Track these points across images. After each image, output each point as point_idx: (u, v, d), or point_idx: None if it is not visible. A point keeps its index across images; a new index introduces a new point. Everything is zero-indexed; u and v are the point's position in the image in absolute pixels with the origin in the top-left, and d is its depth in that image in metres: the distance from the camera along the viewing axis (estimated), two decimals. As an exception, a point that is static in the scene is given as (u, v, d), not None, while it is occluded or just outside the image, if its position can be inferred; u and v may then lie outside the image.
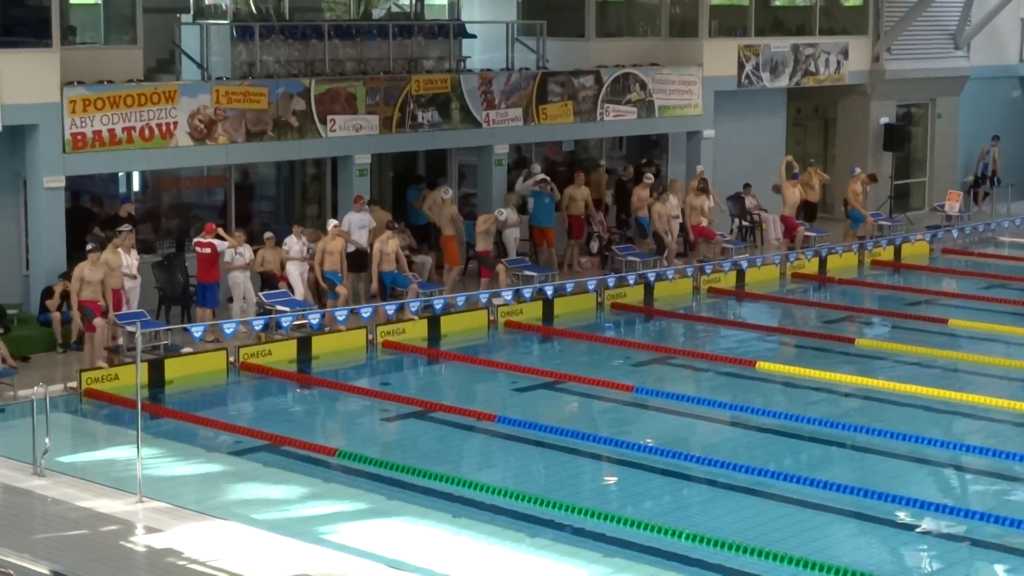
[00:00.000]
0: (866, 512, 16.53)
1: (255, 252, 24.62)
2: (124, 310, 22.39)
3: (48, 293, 23.01)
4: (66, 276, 22.69)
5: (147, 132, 24.32)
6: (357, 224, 26.06)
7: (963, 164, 39.11)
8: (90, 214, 25.22)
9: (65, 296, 22.58)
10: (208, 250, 23.72)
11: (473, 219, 27.84)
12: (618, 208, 31.57)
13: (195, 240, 23.91)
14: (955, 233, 31.50)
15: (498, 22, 31.76)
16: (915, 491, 17.16)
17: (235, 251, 24.15)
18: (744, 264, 27.88)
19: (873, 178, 33.46)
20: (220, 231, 24.00)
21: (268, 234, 24.92)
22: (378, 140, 27.38)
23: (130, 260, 23.05)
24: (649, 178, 30.39)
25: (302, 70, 27.35)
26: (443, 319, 24.65)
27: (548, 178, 29.49)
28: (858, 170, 32.98)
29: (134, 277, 23.09)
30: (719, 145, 33.09)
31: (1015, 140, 40.94)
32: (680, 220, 30.02)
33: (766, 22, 35.03)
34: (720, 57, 33.01)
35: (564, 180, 30.47)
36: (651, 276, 25.93)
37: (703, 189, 30.45)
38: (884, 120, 36.76)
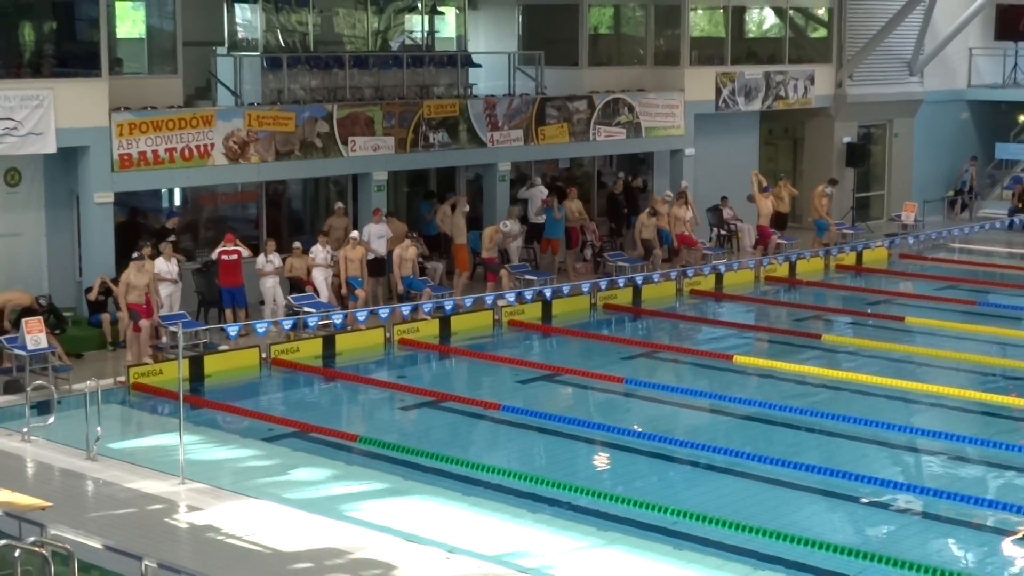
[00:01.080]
0: (832, 490, 16.51)
1: (283, 260, 24.62)
2: (161, 312, 22.44)
3: (88, 289, 23.04)
4: (114, 281, 22.71)
5: (187, 153, 24.31)
6: (376, 235, 26.03)
7: (918, 179, 39.03)
8: (136, 226, 25.21)
9: (105, 291, 22.61)
10: (235, 256, 23.72)
11: (480, 229, 27.84)
12: (609, 218, 31.56)
13: (220, 250, 23.80)
14: (911, 240, 31.42)
15: (501, 52, 31.75)
16: (876, 471, 17.16)
17: (266, 259, 24.15)
18: (722, 268, 27.82)
19: (833, 181, 33.47)
20: (236, 240, 24.00)
21: (296, 244, 24.92)
22: (394, 159, 27.36)
23: (171, 267, 23.05)
24: (669, 195, 30.46)
25: (325, 96, 27.34)
26: (453, 319, 24.62)
27: (554, 196, 29.46)
28: (830, 189, 33.01)
29: (175, 282, 23.10)
30: (699, 162, 33.06)
31: (962, 157, 40.89)
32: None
33: (741, 52, 34.99)
34: (700, 83, 32.97)
35: (562, 194, 30.51)
36: (639, 279, 25.86)
37: (684, 202, 30.50)
38: (847, 139, 36.74)
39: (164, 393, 20.17)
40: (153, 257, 22.67)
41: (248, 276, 24.27)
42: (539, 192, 29.75)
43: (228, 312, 23.59)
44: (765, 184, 31.91)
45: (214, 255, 23.81)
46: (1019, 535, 15.19)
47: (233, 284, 23.70)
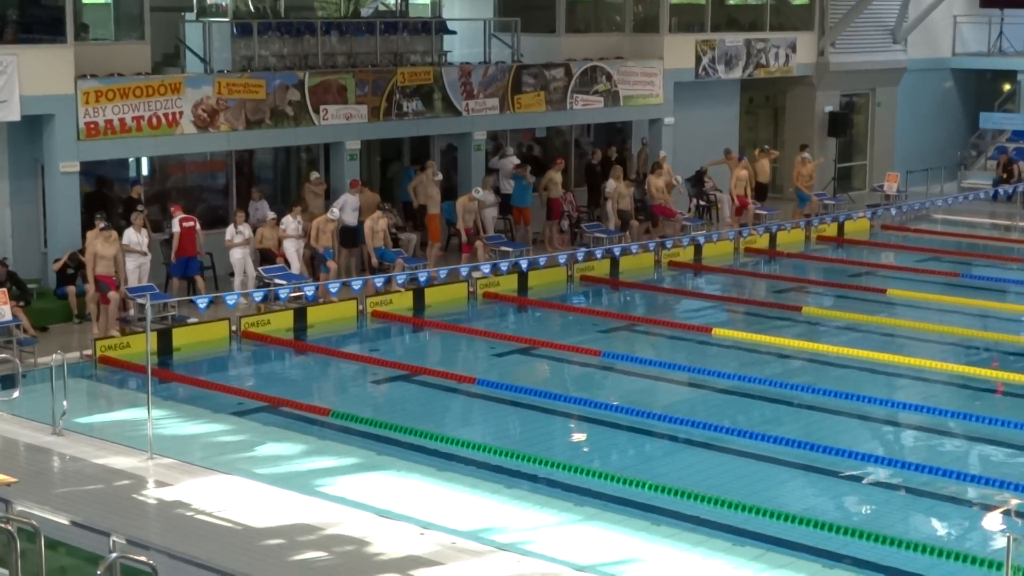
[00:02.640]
0: (812, 464, 16.59)
1: (254, 230, 24.59)
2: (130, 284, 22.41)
3: (56, 260, 22.98)
4: (81, 252, 22.65)
5: (155, 121, 24.21)
6: (351, 206, 26.01)
7: (900, 149, 39.14)
8: (102, 196, 25.12)
9: (75, 262, 22.56)
10: (192, 223, 23.69)
11: (454, 200, 27.82)
12: (588, 189, 31.57)
13: (181, 218, 23.71)
14: (893, 211, 31.51)
15: (476, 19, 31.67)
16: (856, 445, 17.25)
17: (235, 229, 24.11)
18: (701, 240, 27.87)
19: (803, 146, 33.47)
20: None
21: (271, 214, 24.87)
22: (367, 127, 27.30)
23: (141, 238, 22.99)
24: (661, 165, 30.48)
25: (297, 63, 27.25)
26: (427, 291, 24.62)
27: (524, 164, 29.46)
28: (807, 155, 33.02)
29: (144, 254, 23.03)
30: (678, 131, 33.07)
31: (946, 127, 41.05)
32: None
33: (721, 19, 34.94)
34: (679, 51, 32.96)
35: (537, 164, 30.54)
36: (616, 251, 25.89)
37: (661, 172, 30.51)
38: (828, 108, 36.78)
39: (132, 367, 20.13)
40: (118, 228, 22.60)
41: (218, 247, 24.23)
42: (510, 162, 29.72)
43: (175, 282, 23.53)
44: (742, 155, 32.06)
45: (175, 226, 23.68)
46: (1001, 509, 15.29)
47: (191, 254, 23.66)
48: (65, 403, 17.01)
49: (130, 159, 25.64)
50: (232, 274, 24.37)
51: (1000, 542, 14.22)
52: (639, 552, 13.69)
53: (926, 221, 34.33)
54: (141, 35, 25.38)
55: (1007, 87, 42.13)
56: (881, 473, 16.41)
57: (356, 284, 21.95)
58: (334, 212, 25.14)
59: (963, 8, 41.62)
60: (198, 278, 23.71)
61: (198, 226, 23.91)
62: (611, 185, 29.77)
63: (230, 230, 24.22)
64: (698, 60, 33.39)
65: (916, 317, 24.18)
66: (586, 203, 31.30)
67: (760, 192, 32.52)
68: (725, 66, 34.03)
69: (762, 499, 15.09)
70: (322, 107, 26.47)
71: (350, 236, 25.78)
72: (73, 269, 22.82)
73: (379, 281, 22.93)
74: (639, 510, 14.92)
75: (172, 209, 23.99)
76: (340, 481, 15.77)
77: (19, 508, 12.55)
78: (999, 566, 12.93)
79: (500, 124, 29.87)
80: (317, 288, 22.27)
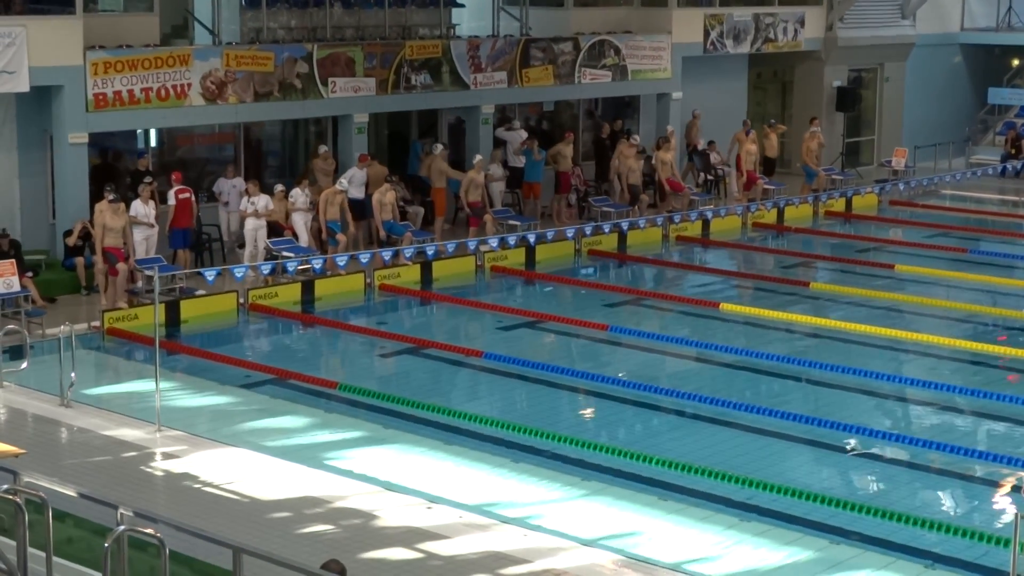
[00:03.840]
0: (819, 440, 16.55)
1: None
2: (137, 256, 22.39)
3: (67, 232, 22.92)
4: (90, 221, 22.61)
5: (163, 92, 24.15)
6: (359, 180, 25.96)
7: (908, 124, 39.01)
8: (111, 167, 25.08)
9: (85, 235, 22.53)
10: (188, 195, 23.65)
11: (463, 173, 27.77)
12: (596, 162, 31.48)
13: (177, 189, 23.61)
14: (901, 186, 31.42)
15: (485, -7, 31.60)
16: (863, 420, 17.21)
17: (248, 200, 24.08)
18: (709, 214, 27.77)
19: (814, 119, 33.33)
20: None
21: (279, 186, 24.80)
22: (375, 100, 27.22)
23: (148, 210, 22.94)
24: (636, 139, 30.37)
25: (305, 36, 27.17)
26: (435, 264, 24.59)
27: (534, 140, 29.36)
28: (817, 129, 32.90)
29: (152, 226, 22.99)
30: (686, 106, 32.95)
31: (955, 102, 40.87)
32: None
33: (730, -7, 34.87)
34: (687, 25, 32.83)
35: (546, 138, 30.45)
36: (624, 225, 25.83)
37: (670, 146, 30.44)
38: (837, 83, 36.66)
39: (139, 339, 20.11)
40: (126, 200, 22.57)
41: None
42: (518, 136, 29.64)
43: (180, 253, 23.51)
44: (749, 127, 31.98)
45: (170, 198, 23.62)
46: (1007, 486, 15.26)
47: (187, 225, 23.63)
48: (73, 375, 16.99)
49: (138, 131, 25.60)
50: (241, 246, 24.33)
51: (1007, 518, 14.20)
52: (645, 526, 13.67)
53: (934, 197, 34.23)
54: (150, 7, 25.33)
55: (1016, 63, 41.94)
56: (887, 449, 16.37)
57: (364, 257, 21.92)
58: (343, 183, 25.08)
59: (972, -17, 41.44)
60: (181, 252, 23.58)
61: (194, 197, 23.88)
62: (618, 153, 29.65)
63: (244, 201, 24.19)
64: (706, 34, 33.25)
65: (924, 293, 24.11)
66: (594, 177, 31.21)
67: (768, 167, 32.43)
68: (733, 40, 33.88)
69: (768, 474, 15.05)
70: (330, 80, 26.38)
71: (357, 209, 25.71)
72: (82, 240, 22.79)
73: (387, 254, 22.88)
74: (645, 485, 14.89)
75: (174, 176, 23.91)
76: (347, 454, 15.75)
77: (26, 480, 12.51)
78: (1007, 543, 12.88)
79: (508, 98, 29.78)
80: (325, 261, 22.23)
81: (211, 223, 25.12)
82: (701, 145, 32.28)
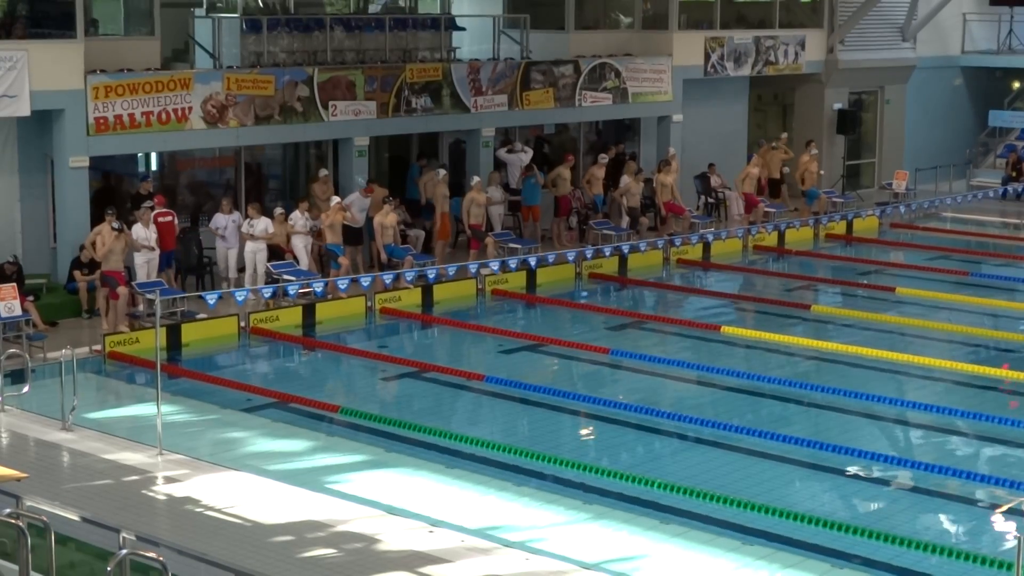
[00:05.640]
0: (820, 463, 16.59)
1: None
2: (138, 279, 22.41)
3: (76, 264, 22.92)
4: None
5: (164, 116, 24.24)
6: (359, 207, 26.01)
7: (909, 146, 39.09)
8: (112, 191, 25.15)
9: (93, 265, 22.56)
10: (169, 219, 23.67)
11: (462, 196, 27.82)
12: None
13: (156, 213, 23.39)
14: (902, 209, 31.47)
15: (485, 16, 31.67)
16: (865, 444, 17.24)
17: (248, 222, 24.14)
18: (710, 237, 27.86)
19: (809, 143, 33.51)
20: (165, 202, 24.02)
21: (279, 209, 24.85)
22: (375, 124, 27.32)
23: (149, 233, 23.00)
24: (603, 158, 30.38)
25: (306, 59, 27.26)
26: (436, 287, 24.66)
27: (533, 165, 29.44)
28: (815, 150, 33.01)
29: (153, 249, 23.05)
30: (687, 128, 33.06)
31: (955, 125, 40.97)
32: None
33: (730, 16, 34.96)
34: (688, 48, 32.94)
35: (546, 161, 30.53)
36: (625, 248, 25.89)
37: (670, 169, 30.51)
38: (837, 106, 36.76)
39: (141, 362, 20.17)
40: (127, 224, 22.63)
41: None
42: (518, 159, 29.71)
43: (163, 275, 23.52)
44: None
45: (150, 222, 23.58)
46: (1004, 508, 15.28)
47: (168, 248, 23.64)
48: (75, 398, 17.03)
49: (139, 154, 25.67)
50: (242, 270, 24.38)
51: (1008, 541, 14.23)
52: (647, 550, 13.69)
53: (935, 219, 34.30)
54: (151, 30, 25.39)
55: (1016, 85, 42.06)
56: (888, 472, 16.41)
57: (365, 281, 21.97)
58: (335, 199, 25.06)
59: (972, 6, 41.54)
60: (162, 275, 23.57)
61: (175, 220, 23.94)
62: (624, 182, 29.77)
63: (244, 223, 24.26)
64: (707, 57, 33.36)
65: (925, 316, 24.16)
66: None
67: (773, 188, 32.50)
68: (734, 63, 34.00)
69: (771, 498, 15.09)
70: (331, 103, 26.48)
71: (354, 234, 25.75)
72: (88, 269, 22.75)
73: (388, 278, 22.95)
74: (647, 508, 14.93)
75: (155, 200, 23.83)
76: (349, 478, 15.78)
77: (29, 503, 12.59)
78: (1009, 566, 12.92)
79: (509, 121, 29.87)
80: (326, 284, 22.30)
81: (211, 246, 25.15)
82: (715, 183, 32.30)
